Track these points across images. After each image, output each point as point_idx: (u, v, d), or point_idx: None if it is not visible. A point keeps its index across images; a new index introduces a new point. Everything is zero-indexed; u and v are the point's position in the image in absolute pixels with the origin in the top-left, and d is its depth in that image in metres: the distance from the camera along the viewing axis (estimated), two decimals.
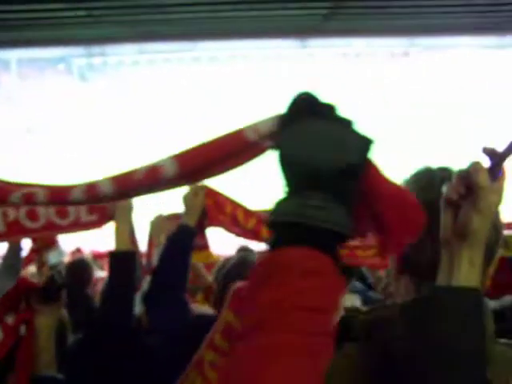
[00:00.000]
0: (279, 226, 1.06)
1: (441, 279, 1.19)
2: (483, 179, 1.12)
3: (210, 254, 4.42)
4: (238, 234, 3.67)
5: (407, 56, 63.04)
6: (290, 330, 0.94)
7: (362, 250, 3.51)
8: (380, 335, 1.33)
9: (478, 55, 52.05)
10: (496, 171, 1.14)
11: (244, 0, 10.59)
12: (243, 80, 54.03)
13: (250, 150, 1.32)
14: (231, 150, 1.32)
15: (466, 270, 1.15)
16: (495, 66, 50.75)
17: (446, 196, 1.21)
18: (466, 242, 1.16)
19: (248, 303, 1.02)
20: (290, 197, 1.08)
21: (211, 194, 3.42)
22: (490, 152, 1.17)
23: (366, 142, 1.08)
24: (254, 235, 3.66)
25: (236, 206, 3.61)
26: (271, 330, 0.94)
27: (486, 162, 1.18)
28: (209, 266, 4.17)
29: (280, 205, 1.07)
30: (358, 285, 4.92)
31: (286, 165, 1.09)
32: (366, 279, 5.37)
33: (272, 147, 1.21)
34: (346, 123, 1.10)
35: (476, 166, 1.15)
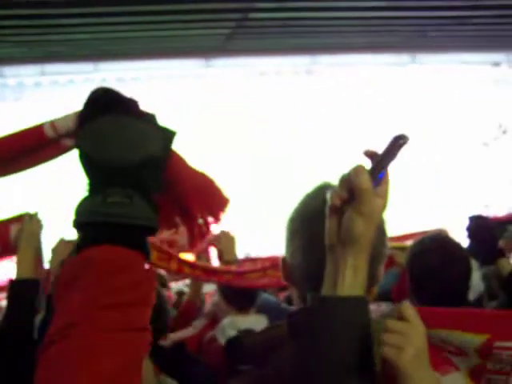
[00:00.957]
0: (82, 226, 1.04)
1: (326, 288, 1.16)
2: (364, 182, 1.10)
3: None
4: None
5: (310, 74, 64.84)
6: (101, 329, 0.91)
7: (252, 273, 3.56)
8: (271, 357, 1.32)
9: (378, 72, 54.16)
10: (377, 174, 1.12)
11: (146, 20, 10.44)
12: (148, 100, 53.44)
13: (51, 147, 1.28)
14: (29, 145, 1.27)
15: (350, 278, 1.12)
16: (394, 83, 52.91)
17: (330, 202, 1.18)
18: (350, 248, 1.13)
19: (57, 306, 0.98)
20: (90, 196, 1.06)
21: None
22: (371, 155, 1.15)
23: (168, 135, 1.09)
24: None
25: None
26: (82, 332, 0.91)
27: (369, 165, 1.17)
28: None
29: (81, 205, 1.06)
30: (271, 299, 4.85)
31: (85, 163, 1.07)
32: None
33: (73, 146, 1.17)
34: (148, 117, 1.10)
35: (357, 169, 1.12)
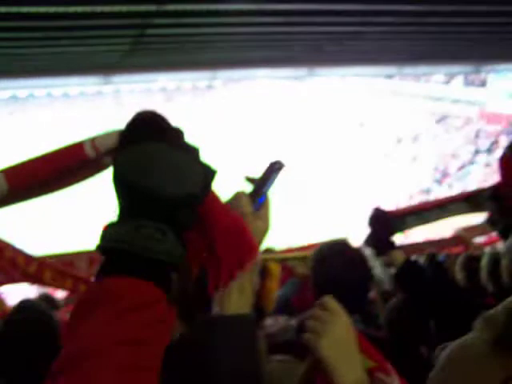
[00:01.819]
0: (109, 252, 0.98)
1: (214, 309, 1.17)
2: (244, 206, 1.12)
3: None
4: (18, 280, 3.49)
5: (211, 88, 65.15)
6: (114, 366, 0.86)
7: None
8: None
9: (276, 85, 55.22)
10: (256, 198, 1.14)
11: (43, 37, 10.13)
12: (47, 119, 52.16)
13: (89, 166, 1.26)
14: (68, 166, 1.26)
15: (236, 298, 1.13)
16: (291, 95, 54.07)
17: None
18: None
19: (70, 333, 0.93)
20: (122, 222, 0.99)
21: None
22: (250, 180, 1.16)
23: (209, 172, 1.04)
24: (36, 280, 3.59)
25: (17, 251, 3.44)
26: (94, 365, 0.85)
27: (250, 189, 1.19)
28: None
29: (111, 230, 0.99)
30: None
31: (121, 186, 1.00)
32: None
33: (107, 161, 1.15)
34: (191, 151, 1.06)
35: (237, 195, 1.14)
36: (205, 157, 1.06)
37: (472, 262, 4.52)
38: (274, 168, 1.09)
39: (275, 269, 2.85)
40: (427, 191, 29.65)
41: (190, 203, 1.01)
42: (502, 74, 31.21)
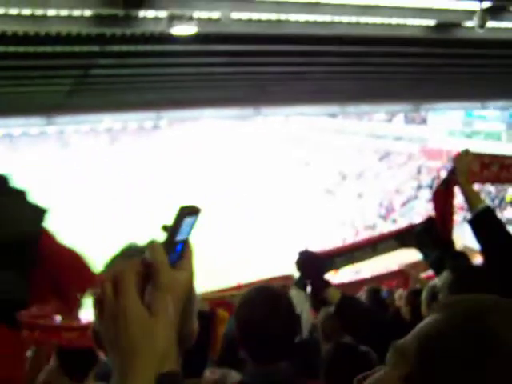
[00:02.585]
0: None
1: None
2: (158, 257, 1.02)
3: None
4: None
5: (157, 129, 64.93)
6: None
7: (66, 330, 3.43)
8: None
9: (221, 125, 55.49)
10: (172, 247, 1.05)
11: None
12: None
13: None
14: None
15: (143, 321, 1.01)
16: (237, 134, 54.39)
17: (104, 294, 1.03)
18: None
19: None
20: None
21: None
22: (165, 227, 1.08)
23: (39, 212, 1.08)
24: None
25: None
26: None
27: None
28: None
29: None
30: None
31: None
32: None
33: None
34: (19, 194, 1.09)
35: (150, 245, 1.05)
36: (34, 198, 1.09)
37: (415, 297, 4.59)
38: (184, 214, 1.03)
39: (225, 316, 2.82)
40: (373, 227, 30.11)
41: (25, 242, 1.03)
42: (441, 112, 32.29)
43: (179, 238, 1.04)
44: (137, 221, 33.63)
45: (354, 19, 7.81)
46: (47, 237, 1.10)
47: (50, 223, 1.09)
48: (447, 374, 0.84)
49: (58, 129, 63.05)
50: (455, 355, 0.84)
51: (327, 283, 2.84)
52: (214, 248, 26.97)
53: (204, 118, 47.57)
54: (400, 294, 5.17)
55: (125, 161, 63.59)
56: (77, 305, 1.20)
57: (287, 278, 5.31)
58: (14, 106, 16.28)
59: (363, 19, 7.83)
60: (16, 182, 1.10)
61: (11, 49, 7.82)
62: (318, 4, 6.81)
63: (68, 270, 1.14)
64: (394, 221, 30.32)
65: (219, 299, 4.77)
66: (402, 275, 7.37)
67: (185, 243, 1.06)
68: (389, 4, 7.12)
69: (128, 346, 0.95)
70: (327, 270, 3.10)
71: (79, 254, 1.20)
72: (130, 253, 1.24)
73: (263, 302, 2.30)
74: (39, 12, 6.54)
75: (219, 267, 23.80)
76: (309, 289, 3.00)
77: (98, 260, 1.17)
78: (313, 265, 2.97)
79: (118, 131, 69.38)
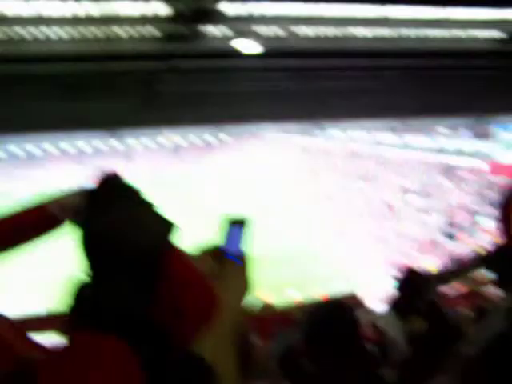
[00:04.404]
0: (85, 312, 1.04)
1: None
2: (209, 266, 1.15)
3: None
4: None
5: (221, 144, 65.43)
6: None
7: None
8: None
9: (285, 139, 55.61)
10: (224, 257, 1.13)
11: (56, 94, 10.35)
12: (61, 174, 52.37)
13: (52, 224, 1.30)
14: (32, 224, 1.29)
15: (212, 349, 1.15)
16: (300, 149, 54.34)
17: None
18: None
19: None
20: (91, 280, 1.06)
21: None
22: (214, 239, 1.21)
23: (167, 226, 1.09)
24: None
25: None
26: None
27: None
28: None
29: (81, 289, 1.06)
30: None
31: (89, 243, 1.06)
32: None
33: (72, 221, 1.16)
34: (149, 207, 1.11)
35: (201, 255, 1.16)
36: (163, 212, 1.12)
37: None
38: (231, 224, 1.03)
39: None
40: (437, 244, 29.46)
41: (153, 256, 1.05)
42: (507, 126, 31.36)
43: (229, 249, 1.06)
44: (198, 235, 33.95)
45: (421, 33, 7.74)
46: (173, 251, 1.12)
47: (176, 237, 1.12)
48: None
49: (124, 144, 64.53)
50: None
51: (419, 310, 2.77)
52: (276, 260, 26.98)
53: (267, 133, 47.75)
54: None
55: (189, 176, 64.50)
56: (196, 327, 1.21)
57: (352, 297, 5.28)
58: (83, 121, 16.76)
59: (430, 32, 7.76)
60: (145, 194, 1.15)
61: (85, 67, 8.10)
62: (384, 19, 6.78)
63: (191, 289, 1.15)
64: (458, 237, 29.60)
65: (280, 314, 4.78)
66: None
67: (238, 255, 1.07)
68: (456, 17, 7.02)
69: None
70: (424, 294, 3.03)
71: (203, 277, 1.22)
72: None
73: (329, 315, 2.31)
74: (112, 33, 6.76)
75: (283, 281, 23.72)
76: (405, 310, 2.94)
77: None
78: (413, 286, 2.91)
79: (181, 147, 70.45)
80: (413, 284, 2.89)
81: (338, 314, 2.38)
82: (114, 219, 1.06)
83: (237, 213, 1.06)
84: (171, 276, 1.11)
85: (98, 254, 1.05)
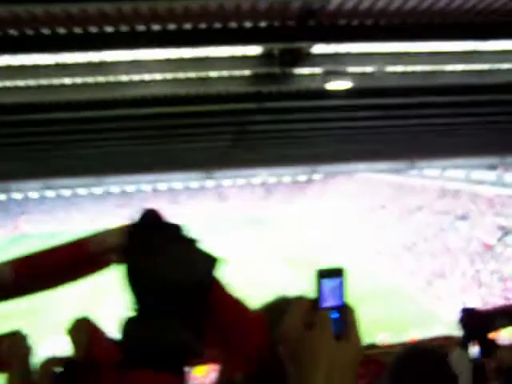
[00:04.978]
0: (134, 349, 1.04)
1: None
2: (323, 324, 0.94)
3: None
4: None
5: (311, 183, 65.39)
6: None
7: None
8: None
9: (376, 178, 54.89)
10: (317, 312, 0.96)
11: (148, 135, 10.75)
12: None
13: (93, 262, 1.28)
14: (73, 261, 1.27)
15: None
16: (391, 187, 53.44)
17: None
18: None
19: None
20: (139, 317, 1.06)
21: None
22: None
23: (212, 262, 1.09)
24: None
25: None
26: None
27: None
28: None
29: (130, 326, 1.06)
30: None
31: (135, 280, 1.07)
32: None
33: (118, 261, 1.15)
34: (193, 242, 1.12)
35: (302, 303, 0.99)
36: (208, 248, 1.12)
37: None
38: (323, 276, 0.94)
39: None
40: None
41: (199, 291, 1.06)
42: None
43: (329, 304, 0.95)
44: (293, 274, 33.92)
45: None
46: (218, 287, 1.13)
47: (221, 273, 1.12)
48: None
49: (216, 183, 65.89)
50: None
51: (494, 344, 2.69)
52: (369, 299, 26.52)
53: (358, 172, 47.47)
54: None
55: (279, 213, 64.91)
56: (248, 361, 1.20)
57: (448, 338, 5.10)
58: (176, 162, 17.26)
59: None
60: (188, 231, 1.15)
61: (177, 109, 8.37)
62: (475, 52, 6.64)
63: (236, 326, 1.16)
64: None
65: (370, 356, 4.67)
66: None
67: (341, 310, 0.96)
68: None
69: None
70: (491, 329, 2.94)
71: (249, 310, 1.22)
72: (280, 304, 1.23)
73: (419, 363, 2.24)
74: (203, 74, 6.98)
75: (374, 322, 23.24)
76: (474, 349, 2.85)
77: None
78: (477, 323, 2.83)
79: (273, 185, 71.18)
80: (475, 323, 2.80)
81: (431, 362, 2.31)
82: (157, 256, 1.08)
83: (331, 264, 1.00)
84: (219, 312, 1.12)
85: (144, 292, 1.07)
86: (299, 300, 0.99)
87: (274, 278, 31.57)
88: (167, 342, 1.03)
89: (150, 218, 1.15)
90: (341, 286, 0.95)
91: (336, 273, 0.95)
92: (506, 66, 7.51)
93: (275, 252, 44.44)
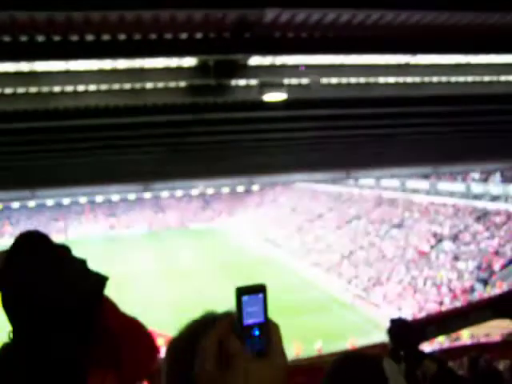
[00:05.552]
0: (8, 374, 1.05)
1: None
2: (231, 345, 0.89)
3: None
4: None
5: (249, 193, 65.65)
6: None
7: None
8: None
9: (312, 188, 55.53)
10: (245, 331, 0.92)
11: (81, 147, 10.55)
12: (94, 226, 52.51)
13: None
14: None
15: None
16: (329, 197, 54.06)
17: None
18: None
19: None
20: (14, 343, 1.04)
21: None
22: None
23: (100, 279, 1.10)
24: None
25: None
26: None
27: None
28: None
29: (4, 354, 1.04)
30: None
31: (14, 305, 1.05)
32: None
33: None
34: (79, 263, 1.11)
35: (225, 326, 0.93)
36: (92, 267, 1.11)
37: None
38: (242, 294, 0.91)
39: None
40: (471, 290, 28.91)
41: (85, 310, 1.05)
42: None
43: (251, 321, 0.92)
44: (223, 288, 33.81)
45: (444, 79, 7.75)
46: (108, 304, 1.14)
47: (108, 291, 1.12)
48: None
49: (154, 194, 65.39)
50: None
51: (423, 354, 2.73)
52: (306, 309, 26.68)
53: (297, 182, 47.94)
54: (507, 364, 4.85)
55: (217, 225, 64.97)
56: (138, 378, 1.21)
57: (384, 346, 5.16)
58: (112, 174, 17.00)
59: (453, 78, 7.75)
60: (75, 252, 1.15)
61: (112, 120, 8.24)
62: (407, 65, 6.81)
63: (129, 341, 1.15)
64: (494, 284, 28.98)
65: (310, 365, 4.69)
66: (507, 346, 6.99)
67: (263, 326, 0.93)
68: (480, 61, 7.01)
69: None
70: (420, 339, 2.99)
71: (141, 326, 1.23)
72: (206, 321, 1.17)
73: (353, 368, 2.27)
74: (138, 85, 6.91)
75: (313, 331, 23.42)
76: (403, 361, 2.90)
77: (172, 325, 1.16)
78: (406, 335, 2.87)
79: (211, 196, 71.23)
80: (401, 334, 2.85)
81: (365, 368, 2.33)
82: (39, 276, 1.06)
83: (250, 283, 0.95)
84: (106, 328, 1.11)
85: (26, 313, 1.05)
86: (223, 319, 0.94)
87: (210, 289, 31.42)
88: (55, 358, 1.02)
89: (31, 242, 1.12)
90: (262, 302, 0.93)
91: (257, 290, 0.93)
92: (434, 78, 7.74)
93: (213, 263, 44.33)
